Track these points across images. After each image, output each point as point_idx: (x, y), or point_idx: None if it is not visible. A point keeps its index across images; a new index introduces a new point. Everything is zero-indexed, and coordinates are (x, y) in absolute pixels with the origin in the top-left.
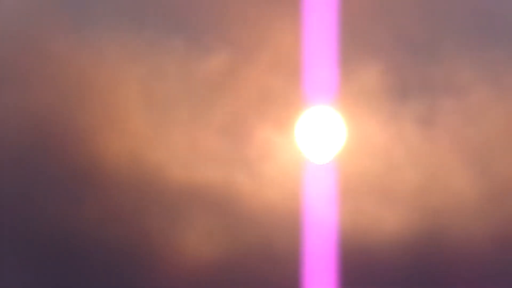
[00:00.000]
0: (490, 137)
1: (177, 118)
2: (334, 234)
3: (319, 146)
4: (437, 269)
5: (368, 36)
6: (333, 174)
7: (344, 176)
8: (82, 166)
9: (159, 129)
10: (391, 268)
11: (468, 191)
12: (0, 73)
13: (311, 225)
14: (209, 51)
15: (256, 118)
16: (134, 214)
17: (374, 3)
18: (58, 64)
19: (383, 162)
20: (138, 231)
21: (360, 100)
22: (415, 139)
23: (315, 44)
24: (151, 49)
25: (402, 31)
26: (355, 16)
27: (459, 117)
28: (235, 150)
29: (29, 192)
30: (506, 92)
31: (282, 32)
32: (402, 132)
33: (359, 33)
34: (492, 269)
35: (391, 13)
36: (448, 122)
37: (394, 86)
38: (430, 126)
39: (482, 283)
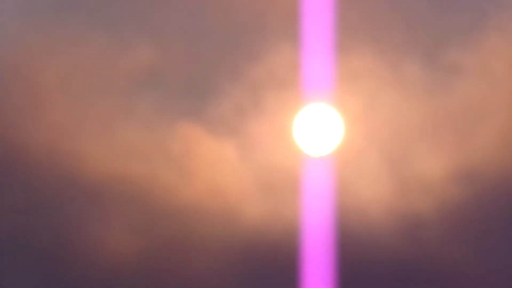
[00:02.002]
0: (400, 130)
1: (99, 111)
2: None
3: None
4: (349, 265)
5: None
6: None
7: (260, 170)
8: (1, 158)
9: (81, 122)
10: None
11: (379, 186)
12: None
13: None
14: (133, 44)
15: (179, 113)
16: (54, 207)
17: None
18: None
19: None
20: (58, 225)
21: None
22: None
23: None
24: (73, 42)
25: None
26: None
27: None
28: (157, 144)
29: None
30: (408, 82)
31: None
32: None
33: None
34: (402, 266)
35: None
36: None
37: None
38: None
39: (391, 280)
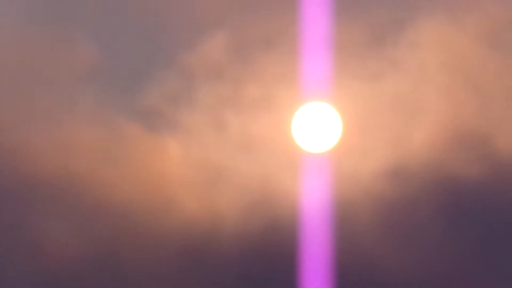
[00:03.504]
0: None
1: (40, 107)
2: None
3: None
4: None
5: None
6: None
7: (199, 164)
8: None
9: (22, 117)
10: None
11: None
12: None
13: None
14: (79, 42)
15: (120, 108)
16: None
17: None
18: None
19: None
20: None
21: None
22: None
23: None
24: (14, 37)
25: None
26: None
27: None
28: (98, 140)
29: None
30: None
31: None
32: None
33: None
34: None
35: None
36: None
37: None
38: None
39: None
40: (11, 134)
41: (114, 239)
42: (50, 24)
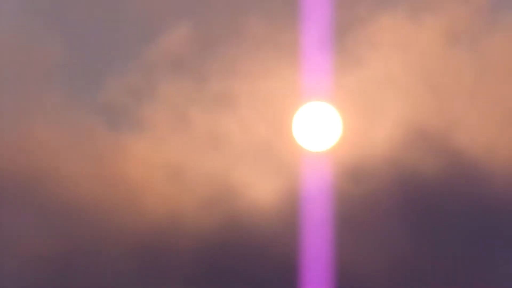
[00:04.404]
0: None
1: (4, 105)
2: None
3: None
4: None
5: None
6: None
7: (164, 158)
8: None
9: None
10: None
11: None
12: None
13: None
14: (41, 38)
15: (86, 106)
16: None
17: None
18: None
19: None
20: None
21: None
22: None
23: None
24: None
25: None
26: None
27: None
28: (62, 138)
29: None
30: None
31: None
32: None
33: None
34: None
35: None
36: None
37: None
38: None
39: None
40: None
41: (75, 236)
42: (13, 21)
